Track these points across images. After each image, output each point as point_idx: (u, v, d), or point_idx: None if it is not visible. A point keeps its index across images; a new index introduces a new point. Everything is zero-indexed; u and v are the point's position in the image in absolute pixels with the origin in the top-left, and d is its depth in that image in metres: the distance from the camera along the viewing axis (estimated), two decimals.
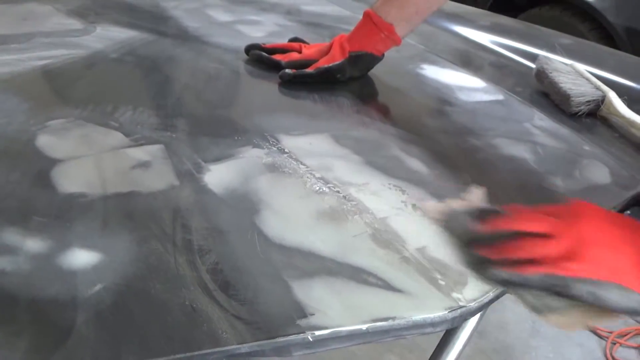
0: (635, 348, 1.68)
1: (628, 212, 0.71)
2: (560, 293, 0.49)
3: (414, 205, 0.61)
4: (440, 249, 0.55)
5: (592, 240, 0.51)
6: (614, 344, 1.67)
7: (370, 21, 0.86)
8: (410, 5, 0.86)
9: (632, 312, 0.50)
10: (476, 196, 0.62)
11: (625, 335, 1.71)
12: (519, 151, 0.76)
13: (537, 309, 0.50)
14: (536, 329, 1.70)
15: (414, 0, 0.85)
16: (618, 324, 1.75)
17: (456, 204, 0.61)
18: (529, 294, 0.50)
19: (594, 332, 1.71)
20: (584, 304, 0.50)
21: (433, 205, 0.61)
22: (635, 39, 2.24)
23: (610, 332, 1.70)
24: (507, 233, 0.53)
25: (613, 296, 0.49)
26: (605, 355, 1.64)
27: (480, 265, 0.52)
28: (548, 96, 0.95)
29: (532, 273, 0.50)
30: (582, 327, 0.50)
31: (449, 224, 0.57)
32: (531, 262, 0.50)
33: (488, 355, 1.60)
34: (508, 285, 0.51)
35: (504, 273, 0.50)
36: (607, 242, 0.51)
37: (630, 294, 0.49)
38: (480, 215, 0.56)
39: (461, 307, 0.49)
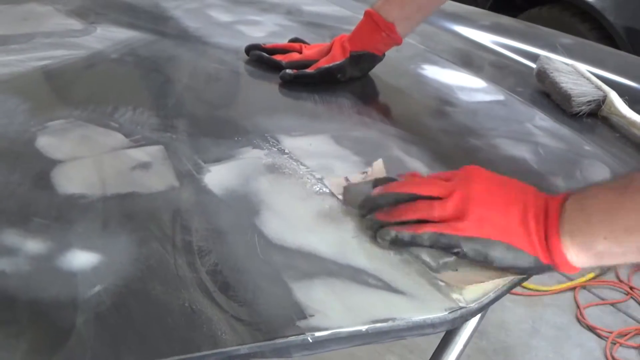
0: (635, 348, 1.68)
1: None
2: (449, 250, 0.52)
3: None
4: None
5: (480, 200, 0.52)
6: (614, 344, 1.67)
7: (372, 20, 0.86)
8: (412, 4, 0.86)
9: (518, 270, 0.52)
10: (376, 169, 0.64)
11: (625, 335, 1.71)
12: (520, 151, 0.76)
13: (432, 268, 0.52)
14: (536, 329, 1.70)
15: None
16: (618, 324, 1.75)
17: (356, 178, 0.62)
18: (425, 253, 0.52)
19: (594, 332, 1.71)
20: (471, 261, 0.52)
21: (335, 180, 0.62)
22: (635, 39, 2.24)
23: (610, 332, 1.70)
24: (401, 196, 0.55)
25: (499, 254, 0.51)
26: (605, 355, 1.64)
27: (376, 229, 0.54)
28: (549, 96, 0.95)
29: (422, 232, 0.52)
30: (476, 282, 0.51)
31: (348, 196, 0.59)
32: (423, 222, 0.53)
33: (488, 356, 1.60)
34: (401, 245, 0.53)
35: (398, 233, 0.53)
36: (495, 202, 0.52)
37: (515, 251, 0.50)
38: (377, 183, 0.58)
39: (461, 308, 0.49)
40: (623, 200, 0.48)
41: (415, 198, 0.54)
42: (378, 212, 0.55)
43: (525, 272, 0.53)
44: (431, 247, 0.52)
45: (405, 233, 0.52)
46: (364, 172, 0.64)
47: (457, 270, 0.52)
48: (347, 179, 0.62)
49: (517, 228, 0.51)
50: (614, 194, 0.49)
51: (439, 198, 0.53)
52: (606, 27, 2.32)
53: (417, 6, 0.86)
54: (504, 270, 0.52)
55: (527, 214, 0.51)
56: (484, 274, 0.52)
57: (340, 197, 0.60)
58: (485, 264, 0.52)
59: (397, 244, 0.53)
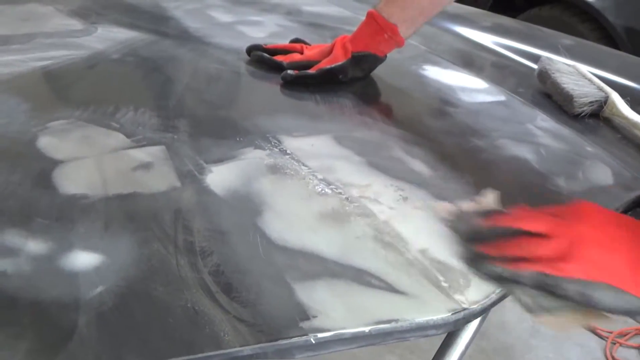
0: (635, 348, 1.68)
1: (629, 213, 0.71)
2: (551, 292, 0.49)
3: (417, 206, 0.61)
4: (443, 250, 0.55)
5: (586, 240, 0.50)
6: (614, 344, 1.67)
7: (374, 21, 0.86)
8: (414, 6, 0.85)
9: (622, 312, 0.49)
10: (488, 199, 0.61)
11: (625, 335, 1.71)
12: (522, 152, 0.76)
13: (530, 309, 0.50)
14: (536, 329, 1.70)
15: (417, 1, 0.85)
16: (618, 324, 1.75)
17: (466, 206, 0.60)
18: (524, 293, 0.50)
19: (594, 332, 1.71)
20: (574, 303, 0.49)
21: (443, 205, 0.61)
22: (636, 39, 2.24)
23: (610, 332, 1.70)
24: (506, 230, 0.53)
25: (602, 296, 0.48)
26: (605, 355, 1.64)
27: (477, 261, 0.53)
28: (550, 97, 0.95)
29: (525, 270, 0.50)
30: (574, 328, 0.50)
31: (455, 224, 0.57)
32: (526, 260, 0.51)
33: (488, 355, 1.60)
34: (501, 281, 0.51)
35: (498, 268, 0.51)
36: (603, 241, 0.50)
37: (619, 293, 0.48)
38: (484, 214, 0.56)
39: (464, 309, 0.49)
40: None
41: (520, 233, 0.52)
42: (481, 244, 0.53)
43: (630, 315, 0.51)
44: (532, 287, 0.50)
45: (508, 270, 0.50)
46: (473, 201, 0.62)
47: (555, 313, 0.50)
48: (456, 205, 0.60)
49: (623, 269, 0.49)
50: None
51: (544, 235, 0.51)
52: (606, 27, 2.32)
53: (419, 8, 0.86)
54: (604, 311, 0.49)
55: (636, 254, 0.49)
56: (580, 319, 0.50)
57: (450, 223, 0.58)
58: (588, 306, 0.49)
59: (498, 280, 0.51)
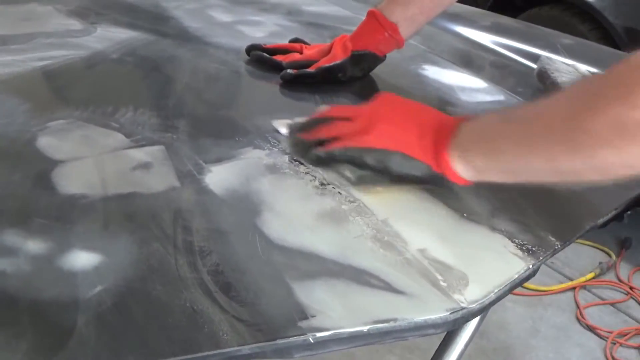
0: (635, 348, 1.68)
1: (629, 212, 0.71)
2: (358, 163, 0.62)
3: (416, 206, 0.61)
4: (442, 250, 0.55)
5: (382, 118, 0.62)
6: (614, 344, 1.67)
7: (374, 20, 0.86)
8: (415, 5, 0.86)
9: (414, 178, 0.60)
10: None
11: (625, 335, 1.71)
12: None
13: (351, 181, 0.62)
14: (536, 329, 1.70)
15: (418, 0, 0.85)
16: (618, 324, 1.75)
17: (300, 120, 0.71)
18: (347, 170, 0.62)
19: (594, 332, 1.71)
20: (375, 170, 0.61)
21: (281, 121, 0.72)
22: (635, 39, 2.24)
23: (610, 332, 1.70)
24: (320, 119, 0.66)
25: (396, 163, 0.60)
26: (605, 355, 1.64)
27: (299, 146, 0.66)
28: None
29: (334, 147, 0.62)
30: (392, 201, 0.60)
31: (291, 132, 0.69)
32: (336, 139, 0.62)
33: (488, 356, 1.60)
34: (321, 162, 0.63)
35: (316, 152, 0.63)
36: (395, 119, 0.62)
37: (410, 160, 0.59)
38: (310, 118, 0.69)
39: (463, 308, 0.49)
40: (502, 125, 0.56)
41: (330, 120, 0.65)
42: (302, 133, 0.66)
43: (421, 181, 0.61)
44: (343, 161, 0.62)
45: (322, 150, 0.63)
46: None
47: (374, 184, 0.61)
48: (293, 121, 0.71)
49: (413, 141, 0.59)
50: (497, 119, 0.57)
51: (349, 118, 0.64)
52: (606, 27, 2.32)
53: (421, 8, 0.86)
54: (399, 176, 0.61)
55: (424, 129, 0.60)
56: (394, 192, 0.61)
57: (284, 133, 0.70)
58: (385, 172, 0.61)
59: (319, 162, 0.63)
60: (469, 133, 0.57)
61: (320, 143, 0.64)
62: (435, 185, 0.61)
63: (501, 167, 0.57)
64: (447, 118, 0.61)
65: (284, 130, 0.70)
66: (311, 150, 0.64)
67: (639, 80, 0.44)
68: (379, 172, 0.61)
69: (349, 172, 0.63)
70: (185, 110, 0.76)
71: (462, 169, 0.57)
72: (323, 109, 0.71)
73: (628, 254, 2.05)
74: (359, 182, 0.62)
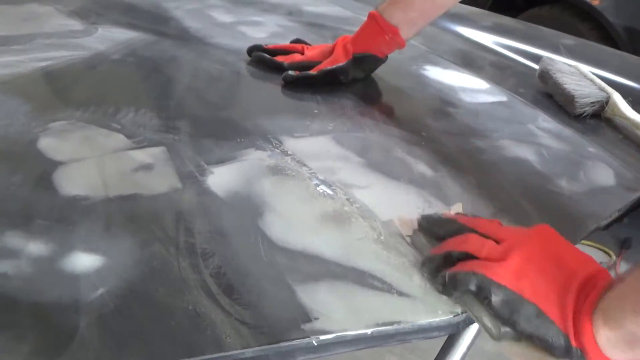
0: None
1: (632, 213, 0.71)
2: (480, 296, 0.47)
3: (418, 207, 0.60)
4: None
5: (527, 254, 0.48)
6: None
7: (375, 23, 0.86)
8: (415, 8, 0.85)
9: (543, 343, 0.45)
10: (455, 211, 0.60)
11: None
12: (523, 153, 0.76)
13: (493, 335, 0.47)
14: None
15: (419, 3, 0.85)
16: None
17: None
18: (487, 318, 0.47)
19: None
20: (499, 316, 0.46)
21: (406, 219, 0.58)
22: (636, 38, 2.24)
23: None
24: (458, 226, 0.53)
25: (525, 315, 0.45)
26: None
27: (429, 267, 0.51)
28: (552, 97, 0.95)
29: (459, 270, 0.48)
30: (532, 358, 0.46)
31: (417, 240, 0.56)
32: (467, 256, 0.49)
33: (489, 357, 1.59)
34: (447, 288, 0.49)
35: (444, 273, 0.48)
36: (543, 262, 0.47)
37: (543, 319, 0.45)
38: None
39: (466, 311, 0.49)
40: None
41: (470, 230, 0.52)
42: (434, 248, 0.52)
43: (552, 352, 0.45)
44: (463, 287, 0.47)
45: (449, 272, 0.48)
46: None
47: (519, 341, 0.47)
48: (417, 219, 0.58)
49: (555, 296, 0.45)
50: None
51: (492, 238, 0.50)
52: (606, 27, 2.32)
53: (421, 10, 0.86)
54: (527, 338, 0.46)
55: (571, 286, 0.45)
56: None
57: (409, 239, 0.56)
58: (509, 323, 0.46)
59: (445, 289, 0.49)
60: (620, 291, 0.43)
61: (448, 257, 0.50)
62: (562, 358, 0.45)
63: None
64: (604, 277, 0.46)
65: (405, 232, 0.57)
66: (439, 271, 0.49)
67: None
68: (500, 320, 0.46)
69: (490, 322, 0.47)
70: (186, 111, 0.76)
71: (609, 341, 0.42)
72: (459, 208, 0.60)
73: (628, 254, 2.04)
74: (504, 337, 0.47)
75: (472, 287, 0.47)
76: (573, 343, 0.43)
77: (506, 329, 0.46)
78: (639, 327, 0.41)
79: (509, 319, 0.45)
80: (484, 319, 0.47)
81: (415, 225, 0.57)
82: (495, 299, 0.45)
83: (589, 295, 0.44)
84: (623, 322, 0.41)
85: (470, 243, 0.50)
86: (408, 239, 0.56)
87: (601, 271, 0.46)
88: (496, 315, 0.46)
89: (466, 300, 0.48)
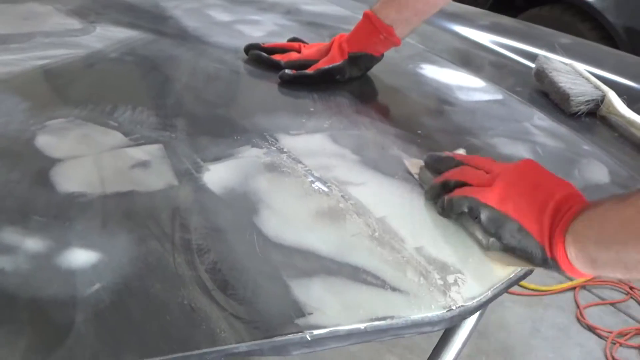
0: (635, 348, 1.68)
1: None
2: (471, 216, 0.56)
3: (413, 205, 0.61)
4: (439, 248, 0.55)
5: (512, 179, 0.56)
6: (614, 344, 1.67)
7: (370, 22, 0.86)
8: (409, 7, 0.86)
9: (525, 255, 0.53)
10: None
11: (625, 335, 1.71)
12: (519, 150, 0.76)
13: (482, 245, 0.56)
14: (536, 329, 1.70)
15: (412, 2, 0.85)
16: (618, 324, 1.75)
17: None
18: (478, 231, 0.56)
19: (594, 332, 1.71)
20: (486, 232, 0.55)
21: (414, 160, 0.69)
22: (635, 38, 2.24)
23: (610, 332, 1.70)
24: (456, 162, 0.62)
25: (509, 231, 0.53)
26: (605, 355, 1.64)
27: (431, 193, 0.61)
28: (547, 96, 0.95)
29: (454, 195, 0.57)
30: (513, 265, 0.54)
31: (423, 175, 0.65)
32: (462, 184, 0.58)
33: (488, 355, 1.60)
34: (445, 211, 0.58)
35: (442, 198, 0.59)
36: (525, 185, 0.55)
37: (524, 234, 0.52)
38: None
39: (460, 306, 0.49)
40: (615, 210, 0.48)
41: (465, 164, 0.61)
42: (432, 171, 0.63)
43: (533, 262, 0.53)
44: (457, 209, 0.56)
45: (446, 197, 0.58)
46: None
47: (503, 251, 0.55)
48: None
49: (534, 214, 0.52)
50: (610, 204, 0.49)
51: (484, 169, 0.59)
52: (606, 27, 2.32)
53: (415, 10, 0.86)
54: (509, 251, 0.54)
55: (548, 206, 0.52)
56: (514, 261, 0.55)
57: (416, 176, 0.66)
58: (495, 237, 0.54)
59: (444, 211, 0.59)
60: (585, 218, 0.50)
61: (446, 185, 0.59)
62: (543, 269, 0.53)
63: (618, 259, 0.47)
64: (578, 200, 0.53)
65: (414, 170, 0.67)
66: (439, 197, 0.59)
67: None
68: (488, 235, 0.55)
69: (480, 234, 0.56)
70: (183, 109, 0.76)
71: (577, 258, 0.50)
72: (461, 152, 0.70)
73: None
74: (492, 247, 0.55)
75: (465, 209, 0.56)
76: (548, 254, 0.51)
77: (493, 240, 0.55)
78: (599, 255, 0.48)
79: (495, 233, 0.54)
80: (476, 233, 0.56)
81: (422, 164, 0.66)
82: (483, 216, 0.54)
83: (564, 215, 0.51)
84: (587, 247, 0.49)
85: (464, 174, 0.59)
86: (416, 176, 0.66)
87: (577, 195, 0.54)
88: (484, 230, 0.55)
89: (462, 220, 0.58)
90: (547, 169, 0.71)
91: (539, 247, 0.52)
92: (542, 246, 0.51)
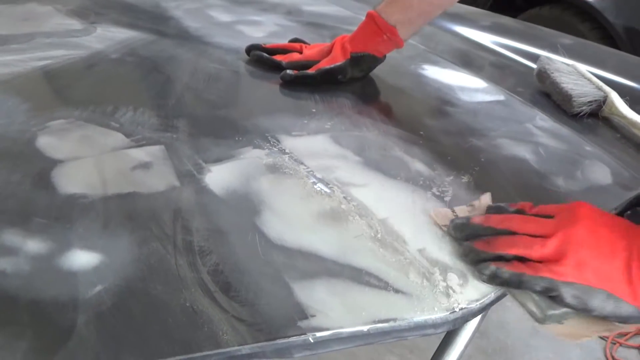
0: (635, 348, 1.68)
1: (629, 212, 0.71)
2: (548, 295, 0.50)
3: (415, 206, 0.61)
4: (442, 250, 0.55)
5: (582, 243, 0.50)
6: (614, 344, 1.67)
7: (373, 23, 0.86)
8: (414, 8, 0.85)
9: (618, 319, 0.49)
10: (484, 202, 0.61)
11: (626, 335, 1.71)
12: (521, 152, 0.76)
13: (537, 318, 0.51)
14: (536, 329, 1.70)
15: (417, 3, 0.85)
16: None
17: (462, 210, 0.61)
18: (532, 302, 0.51)
19: None
20: (573, 309, 0.49)
21: (441, 210, 0.60)
22: (635, 39, 2.24)
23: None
24: (501, 231, 0.53)
25: (599, 302, 0.48)
26: (606, 355, 1.64)
27: (473, 258, 0.53)
28: (549, 96, 0.95)
29: (521, 272, 0.50)
30: (587, 337, 0.50)
31: (450, 228, 0.57)
32: (521, 259, 0.51)
33: (488, 355, 1.60)
34: (499, 282, 0.51)
35: (496, 268, 0.50)
36: (599, 246, 0.50)
37: (616, 300, 0.48)
38: (480, 215, 0.57)
39: (462, 308, 0.49)
40: None
41: (513, 232, 0.53)
42: (477, 241, 0.53)
43: (627, 322, 0.50)
44: (530, 290, 0.50)
45: (505, 270, 0.50)
46: (470, 205, 0.61)
47: (562, 323, 0.51)
48: (453, 211, 0.60)
49: (619, 275, 0.48)
50: None
51: (539, 235, 0.52)
52: (606, 27, 2.32)
53: (419, 11, 0.86)
54: (605, 319, 0.50)
55: (632, 260, 0.48)
56: (590, 328, 0.50)
57: (445, 228, 0.57)
58: (585, 312, 0.49)
59: (496, 281, 0.51)
60: None
61: (499, 258, 0.51)
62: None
63: None
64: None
65: (442, 222, 0.58)
66: (488, 263, 0.51)
67: None
68: (577, 310, 0.50)
69: (534, 306, 0.51)
70: (185, 110, 0.76)
71: None
72: (487, 198, 0.60)
73: None
74: (549, 320, 0.51)
75: (539, 289, 0.49)
76: None
77: (551, 313, 0.50)
78: None
79: (584, 309, 0.49)
80: (528, 305, 0.51)
81: (451, 216, 0.59)
82: (567, 296, 0.48)
83: None
84: None
85: (519, 245, 0.51)
86: (445, 229, 0.57)
87: None
88: (571, 308, 0.49)
89: (510, 289, 0.52)
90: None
91: (633, 309, 0.48)
92: (636, 307, 0.48)
